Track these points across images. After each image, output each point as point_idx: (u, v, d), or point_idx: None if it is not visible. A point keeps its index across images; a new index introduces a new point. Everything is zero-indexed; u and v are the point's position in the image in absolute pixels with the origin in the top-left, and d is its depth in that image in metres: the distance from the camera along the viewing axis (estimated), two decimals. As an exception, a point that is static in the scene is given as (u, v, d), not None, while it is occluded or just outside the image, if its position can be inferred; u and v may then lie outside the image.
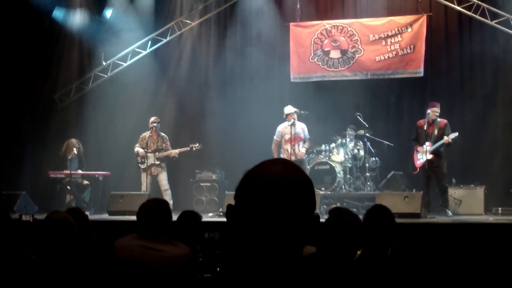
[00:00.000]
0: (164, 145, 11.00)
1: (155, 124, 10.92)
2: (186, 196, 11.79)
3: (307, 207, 1.43)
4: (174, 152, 10.93)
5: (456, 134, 9.65)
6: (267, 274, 1.39)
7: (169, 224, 3.94)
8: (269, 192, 1.39)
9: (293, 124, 10.50)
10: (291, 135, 10.46)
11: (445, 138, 9.60)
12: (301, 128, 10.65)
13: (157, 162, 10.91)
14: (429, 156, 9.67)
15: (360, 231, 3.72)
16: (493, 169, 10.99)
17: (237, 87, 12.74)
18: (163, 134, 11.11)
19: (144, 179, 10.86)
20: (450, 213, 9.61)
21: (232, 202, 1.49)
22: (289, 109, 10.66)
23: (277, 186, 1.40)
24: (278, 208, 1.38)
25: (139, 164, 10.98)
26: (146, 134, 11.02)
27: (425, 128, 9.75)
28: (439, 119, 9.87)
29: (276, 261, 1.39)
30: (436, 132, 9.78)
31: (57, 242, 3.49)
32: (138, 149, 10.97)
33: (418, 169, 9.94)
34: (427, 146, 9.69)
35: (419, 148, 9.88)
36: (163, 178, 10.93)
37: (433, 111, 9.83)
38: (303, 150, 10.65)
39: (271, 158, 1.50)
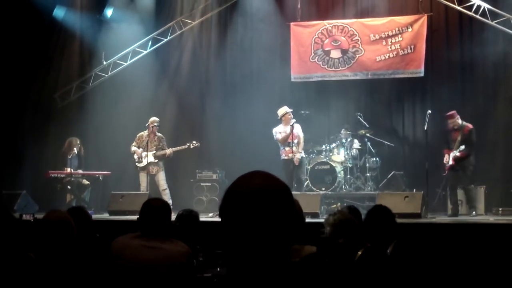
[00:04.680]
0: (161, 144, 11.02)
1: (155, 124, 10.94)
2: (186, 196, 11.77)
3: (287, 213, 1.54)
4: (169, 150, 10.94)
5: (463, 147, 9.86)
6: (261, 277, 1.50)
7: (169, 226, 3.93)
8: (250, 204, 1.51)
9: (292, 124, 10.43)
10: (292, 134, 10.38)
11: (455, 152, 9.89)
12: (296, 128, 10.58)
13: (155, 161, 10.93)
14: (451, 162, 9.95)
15: (358, 227, 3.73)
16: (494, 170, 10.99)
17: (237, 87, 12.72)
18: (159, 134, 11.14)
19: (143, 179, 10.87)
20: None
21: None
22: (286, 108, 10.61)
23: (257, 198, 1.52)
24: (260, 217, 1.51)
25: (137, 164, 10.98)
26: (144, 133, 11.04)
27: (451, 134, 10.05)
28: (465, 123, 10.06)
29: (266, 264, 1.51)
30: (459, 137, 9.97)
31: (55, 242, 3.48)
32: (135, 148, 10.99)
33: (446, 171, 10.17)
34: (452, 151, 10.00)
35: (446, 152, 10.10)
36: (161, 178, 10.94)
37: (451, 122, 10.06)
38: (298, 155, 10.46)
39: (248, 172, 1.61)
